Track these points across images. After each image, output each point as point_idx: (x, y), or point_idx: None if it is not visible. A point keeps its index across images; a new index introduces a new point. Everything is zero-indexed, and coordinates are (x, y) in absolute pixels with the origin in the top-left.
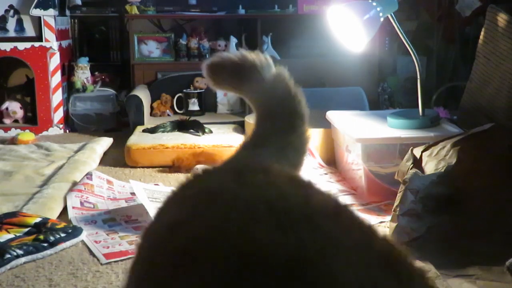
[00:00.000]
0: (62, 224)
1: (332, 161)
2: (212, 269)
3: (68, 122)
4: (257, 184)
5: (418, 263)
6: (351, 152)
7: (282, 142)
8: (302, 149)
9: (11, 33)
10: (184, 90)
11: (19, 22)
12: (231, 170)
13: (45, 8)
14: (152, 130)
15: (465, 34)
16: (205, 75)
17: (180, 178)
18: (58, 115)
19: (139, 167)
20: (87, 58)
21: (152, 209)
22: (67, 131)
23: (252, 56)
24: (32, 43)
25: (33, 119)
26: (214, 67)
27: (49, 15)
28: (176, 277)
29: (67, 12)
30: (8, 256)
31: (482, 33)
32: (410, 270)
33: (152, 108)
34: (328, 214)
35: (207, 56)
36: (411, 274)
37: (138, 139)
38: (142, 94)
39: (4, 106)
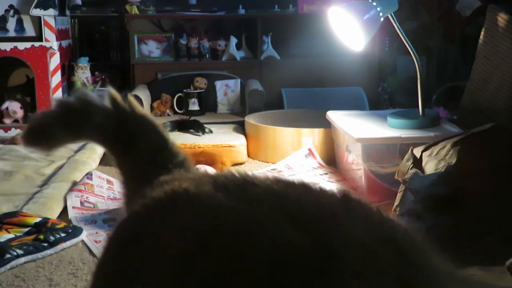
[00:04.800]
0: (62, 224)
1: (332, 161)
2: (245, 282)
3: None
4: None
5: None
6: (351, 152)
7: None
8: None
9: (11, 33)
10: (184, 90)
11: (19, 22)
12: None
13: (45, 8)
14: None
15: (465, 34)
16: (26, 146)
17: None
18: None
19: None
20: (87, 58)
21: None
22: None
23: (79, 97)
24: (32, 43)
25: None
26: (35, 133)
27: (49, 15)
28: None
29: (67, 12)
30: (8, 256)
31: (482, 33)
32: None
33: (152, 108)
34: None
35: (207, 56)
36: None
37: None
38: (142, 94)
39: (4, 106)
